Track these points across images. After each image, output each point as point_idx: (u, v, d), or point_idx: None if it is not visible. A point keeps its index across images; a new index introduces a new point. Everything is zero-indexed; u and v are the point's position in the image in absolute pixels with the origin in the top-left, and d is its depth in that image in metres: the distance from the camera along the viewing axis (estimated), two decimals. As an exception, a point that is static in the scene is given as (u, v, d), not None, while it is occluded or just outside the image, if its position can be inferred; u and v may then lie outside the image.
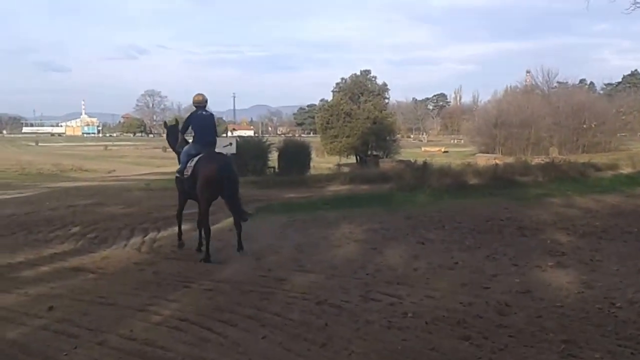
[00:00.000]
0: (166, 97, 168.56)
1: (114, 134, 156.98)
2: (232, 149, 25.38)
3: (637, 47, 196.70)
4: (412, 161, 34.91)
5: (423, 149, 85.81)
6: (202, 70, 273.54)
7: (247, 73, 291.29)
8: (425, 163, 21.11)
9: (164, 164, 39.21)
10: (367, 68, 48.44)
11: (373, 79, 47.42)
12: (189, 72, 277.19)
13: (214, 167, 9.48)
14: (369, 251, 9.65)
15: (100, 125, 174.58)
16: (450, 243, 10.18)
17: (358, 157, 46.64)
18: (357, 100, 46.24)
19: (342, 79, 47.69)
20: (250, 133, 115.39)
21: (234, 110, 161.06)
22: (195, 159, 9.77)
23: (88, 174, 36.35)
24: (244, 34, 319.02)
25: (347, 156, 47.59)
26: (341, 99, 45.85)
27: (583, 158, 30.41)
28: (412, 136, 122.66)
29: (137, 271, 8.59)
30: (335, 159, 46.75)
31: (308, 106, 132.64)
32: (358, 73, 47.51)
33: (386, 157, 45.49)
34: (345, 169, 34.49)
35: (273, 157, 28.87)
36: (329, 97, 47.96)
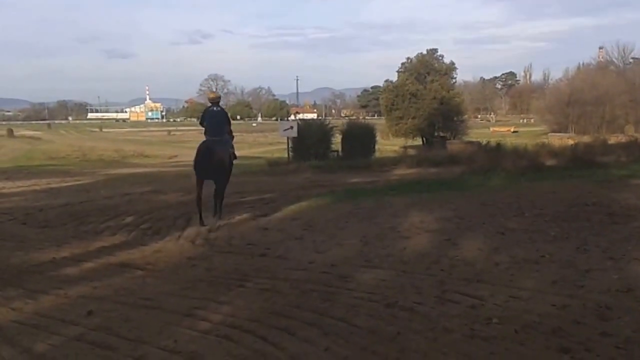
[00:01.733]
0: (229, 81, 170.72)
1: (178, 119, 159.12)
2: (294, 132, 24.74)
3: None
4: (482, 143, 33.64)
5: (492, 129, 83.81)
6: (265, 54, 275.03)
7: (310, 55, 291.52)
8: (498, 144, 19.88)
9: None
10: (434, 47, 46.94)
11: (440, 57, 46.01)
12: (253, 55, 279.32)
13: (198, 152, 11.12)
14: (442, 243, 8.72)
15: (164, 110, 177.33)
16: (533, 233, 9.13)
17: (424, 139, 45.42)
18: (424, 80, 44.92)
19: (408, 58, 46.43)
20: (314, 116, 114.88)
21: (297, 93, 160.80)
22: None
23: (149, 160, 36.52)
24: (307, 16, 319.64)
25: (413, 138, 46.44)
26: (407, 79, 44.65)
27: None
28: (479, 116, 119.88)
29: (189, 267, 7.92)
30: (400, 142, 45.66)
31: (372, 88, 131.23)
32: (424, 52, 46.06)
33: (454, 138, 44.24)
34: (412, 152, 33.48)
35: (336, 141, 28.06)
36: (394, 78, 46.70)
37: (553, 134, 58.60)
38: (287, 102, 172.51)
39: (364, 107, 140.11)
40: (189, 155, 39.43)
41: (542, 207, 11.26)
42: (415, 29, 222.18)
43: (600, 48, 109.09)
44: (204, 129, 11.74)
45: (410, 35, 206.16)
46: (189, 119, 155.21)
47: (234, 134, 12.33)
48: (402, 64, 46.37)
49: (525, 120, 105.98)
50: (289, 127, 25.09)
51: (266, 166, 24.02)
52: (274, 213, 11.79)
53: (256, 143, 65.70)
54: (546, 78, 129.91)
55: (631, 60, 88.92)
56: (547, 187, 14.15)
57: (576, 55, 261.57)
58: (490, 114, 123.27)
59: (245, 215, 11.63)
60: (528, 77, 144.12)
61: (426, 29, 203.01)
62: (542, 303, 5.94)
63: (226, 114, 12.11)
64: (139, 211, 12.25)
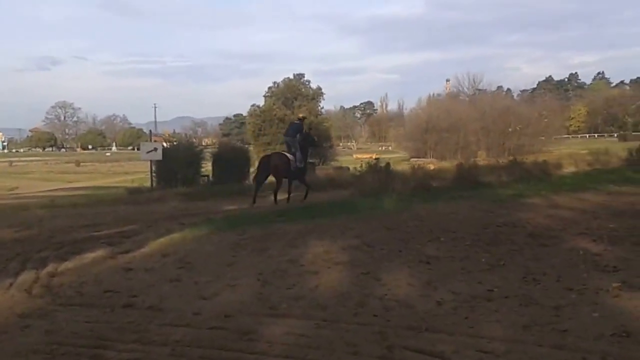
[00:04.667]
0: (79, 108, 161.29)
1: (21, 150, 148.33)
2: (158, 155, 22.11)
3: (548, 56, 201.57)
4: (349, 168, 32.59)
5: (355, 156, 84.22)
6: (121, 81, 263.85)
7: (169, 84, 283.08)
8: (388, 165, 18.55)
9: (78, 178, 35.31)
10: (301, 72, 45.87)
11: (307, 83, 44.84)
12: (107, 83, 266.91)
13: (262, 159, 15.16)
14: (361, 278, 6.89)
15: (6, 140, 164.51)
16: (461, 260, 7.54)
17: (293, 165, 43.88)
18: (291, 105, 43.54)
19: (275, 82, 44.91)
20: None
21: (155, 121, 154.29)
22: None
23: (-16, 194, 32.05)
24: (167, 44, 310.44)
25: (282, 164, 44.79)
26: (274, 104, 43.05)
27: (529, 158, 28.72)
28: (341, 144, 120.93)
29: (19, 330, 5.50)
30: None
31: (235, 116, 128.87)
32: (291, 77, 44.77)
33: (322, 164, 43.03)
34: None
35: (207, 165, 25.61)
36: (261, 103, 45.01)
37: (415, 159, 59.16)
38: (145, 130, 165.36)
39: (226, 135, 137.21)
40: (31, 187, 35.38)
41: (455, 230, 9.81)
42: (276, 59, 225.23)
43: (447, 80, 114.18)
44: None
45: (271, 66, 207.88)
46: (33, 149, 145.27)
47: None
48: (269, 88, 44.91)
49: (383, 148, 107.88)
50: (152, 149, 22.33)
51: (126, 194, 21.15)
52: (139, 248, 9.40)
53: (111, 173, 60.83)
54: (401, 107, 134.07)
55: (476, 92, 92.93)
56: (444, 208, 12.90)
57: (427, 86, 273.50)
58: (351, 142, 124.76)
59: (101, 253, 9.14)
60: (384, 106, 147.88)
61: (286, 60, 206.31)
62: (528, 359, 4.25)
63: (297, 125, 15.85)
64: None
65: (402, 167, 28.12)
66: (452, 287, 6.24)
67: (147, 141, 26.89)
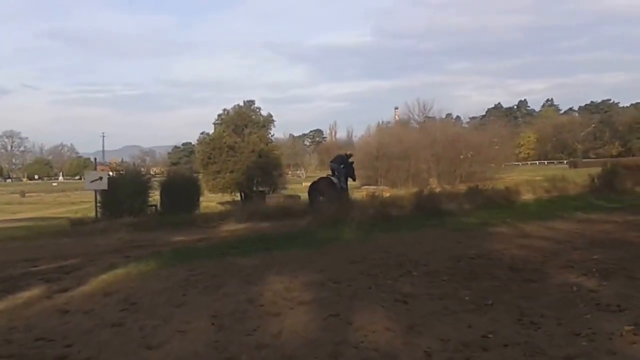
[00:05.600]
0: (27, 138, 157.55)
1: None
2: (103, 185, 20.95)
3: (496, 83, 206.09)
4: (300, 196, 31.88)
5: (304, 184, 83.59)
6: (69, 110, 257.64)
7: (118, 112, 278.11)
8: (346, 193, 17.89)
9: (22, 209, 33.64)
10: (251, 99, 44.96)
11: (257, 110, 43.95)
12: (56, 112, 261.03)
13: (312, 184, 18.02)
14: (331, 321, 6.11)
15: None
16: (442, 298, 6.83)
17: (243, 194, 42.91)
18: (241, 133, 42.51)
19: (225, 110, 43.84)
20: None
21: (103, 150, 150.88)
22: None
23: None
24: (116, 72, 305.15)
25: (231, 193, 43.71)
26: (224, 132, 41.99)
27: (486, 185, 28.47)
28: (290, 172, 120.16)
29: None
30: (218, 197, 42.76)
31: (184, 144, 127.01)
32: (241, 104, 43.85)
33: (273, 192, 42.15)
34: (229, 207, 30.68)
35: (154, 194, 24.44)
36: (211, 131, 43.88)
37: (366, 186, 58.86)
38: (93, 160, 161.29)
39: (175, 164, 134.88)
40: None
41: (426, 263, 9.14)
42: (225, 88, 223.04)
43: (396, 108, 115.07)
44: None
45: (220, 94, 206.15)
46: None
47: None
48: (219, 115, 43.63)
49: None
50: (97, 178, 21.14)
51: (68, 226, 19.91)
52: (79, 286, 8.47)
53: (56, 203, 58.62)
54: (350, 135, 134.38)
55: (425, 119, 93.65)
56: (408, 238, 12.31)
57: (376, 114, 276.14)
58: (300, 170, 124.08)
59: (36, 291, 8.19)
60: (334, 134, 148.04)
61: (236, 88, 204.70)
62: None
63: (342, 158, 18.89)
64: None
65: (356, 194, 27.56)
66: (438, 332, 5.52)
67: (93, 170, 25.61)
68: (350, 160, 19.42)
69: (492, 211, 17.11)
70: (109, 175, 23.37)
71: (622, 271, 7.93)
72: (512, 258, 9.40)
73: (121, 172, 25.27)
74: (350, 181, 19.56)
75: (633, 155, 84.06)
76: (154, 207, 23.33)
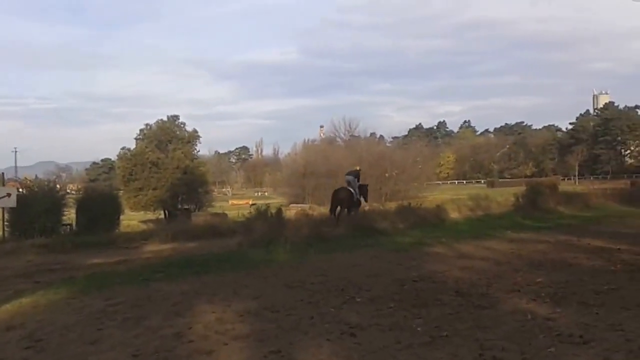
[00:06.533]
0: None
1: None
2: (11, 202, 19.25)
3: (416, 105, 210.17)
4: (226, 214, 30.84)
5: (230, 202, 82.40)
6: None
7: (31, 127, 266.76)
8: (280, 211, 16.99)
9: None
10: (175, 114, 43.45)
11: (182, 125, 42.50)
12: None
13: (334, 192, 19.65)
14: (271, 359, 5.28)
15: None
16: (392, 329, 6.11)
17: (167, 212, 41.33)
18: (165, 149, 40.97)
19: (147, 124, 42.16)
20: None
21: (16, 166, 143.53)
22: None
23: None
24: (29, 85, 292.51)
25: (154, 211, 42.03)
26: (146, 147, 40.33)
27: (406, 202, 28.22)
28: (216, 190, 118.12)
29: None
30: (140, 216, 41.00)
31: (103, 160, 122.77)
32: (165, 119, 42.34)
33: (198, 210, 40.77)
34: (152, 226, 29.20)
35: (70, 212, 22.74)
36: (132, 146, 42.05)
37: (294, 205, 58.15)
38: (4, 176, 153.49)
39: (93, 180, 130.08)
40: None
41: (369, 288, 8.45)
42: (147, 103, 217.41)
43: (321, 127, 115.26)
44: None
45: (141, 109, 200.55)
46: None
47: None
48: (141, 130, 41.85)
49: (260, 193, 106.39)
50: (4, 194, 19.38)
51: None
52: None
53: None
54: (276, 152, 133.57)
55: (356, 135, 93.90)
56: (345, 259, 11.67)
57: (302, 131, 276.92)
58: (226, 187, 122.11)
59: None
60: (260, 151, 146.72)
61: (158, 103, 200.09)
62: None
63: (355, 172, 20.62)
64: None
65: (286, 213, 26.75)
66: (395, 372, 4.79)
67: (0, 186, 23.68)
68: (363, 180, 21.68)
69: (425, 230, 16.78)
70: (18, 191, 21.57)
71: (573, 296, 7.46)
72: (456, 281, 8.84)
73: (33, 188, 23.29)
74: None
75: (546, 176, 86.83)
76: (68, 227, 21.62)
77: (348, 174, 20.72)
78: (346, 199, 18.75)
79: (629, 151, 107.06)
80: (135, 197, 40.65)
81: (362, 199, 19.78)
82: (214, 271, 10.45)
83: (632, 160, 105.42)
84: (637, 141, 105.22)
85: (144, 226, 28.05)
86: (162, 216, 40.73)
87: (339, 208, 18.81)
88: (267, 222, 14.94)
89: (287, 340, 5.83)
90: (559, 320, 6.26)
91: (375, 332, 6.01)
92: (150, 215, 41.01)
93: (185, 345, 5.85)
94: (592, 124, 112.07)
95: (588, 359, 4.94)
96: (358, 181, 20.01)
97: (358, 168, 22.26)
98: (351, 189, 19.18)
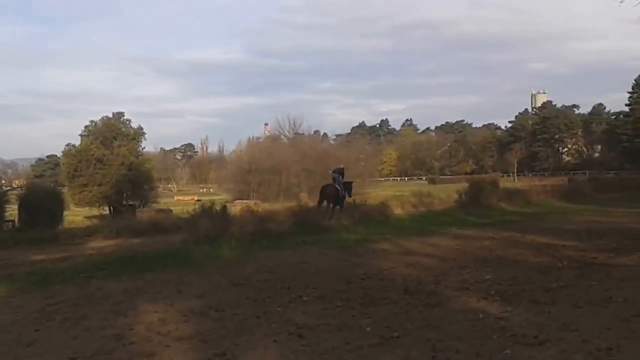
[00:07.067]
0: None
1: None
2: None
3: (359, 103, 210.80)
4: (171, 210, 30.27)
5: (175, 198, 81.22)
6: None
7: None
8: (225, 207, 16.61)
9: None
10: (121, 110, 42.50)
11: (127, 122, 41.61)
12: None
13: (322, 187, 20.41)
14: (215, 362, 5.03)
15: None
16: (341, 329, 5.91)
17: (112, 208, 40.42)
18: (110, 145, 40.03)
19: (92, 121, 41.15)
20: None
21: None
22: None
23: None
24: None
25: (99, 207, 41.06)
26: (91, 144, 39.36)
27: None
28: (161, 186, 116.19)
29: None
30: (85, 212, 39.96)
31: (48, 157, 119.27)
32: (110, 115, 41.34)
33: (143, 206, 40.00)
34: (96, 222, 28.38)
35: (12, 208, 21.89)
36: (77, 143, 41.00)
37: (239, 201, 57.57)
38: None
39: (38, 177, 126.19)
40: None
41: (315, 285, 8.24)
42: (93, 100, 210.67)
43: (266, 124, 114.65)
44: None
45: (86, 106, 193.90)
46: None
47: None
48: (86, 126, 40.92)
49: (205, 190, 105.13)
50: (-57, 191, 18.60)
51: None
52: None
53: None
54: (221, 150, 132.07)
55: (300, 133, 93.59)
56: (291, 257, 11.45)
57: (247, 129, 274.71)
58: (171, 184, 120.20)
59: None
60: (205, 148, 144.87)
61: (104, 100, 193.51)
62: None
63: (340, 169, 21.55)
64: None
65: (231, 209, 26.34)
66: (345, 374, 4.59)
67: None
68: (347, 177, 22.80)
69: (369, 227, 16.63)
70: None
71: (523, 294, 7.39)
72: (404, 278, 8.71)
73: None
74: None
75: (486, 173, 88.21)
76: (10, 223, 20.81)
77: (334, 171, 21.76)
78: (332, 195, 19.63)
79: (566, 149, 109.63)
80: (80, 193, 39.71)
81: (346, 194, 20.52)
82: (157, 269, 10.07)
83: (569, 158, 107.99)
84: (573, 139, 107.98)
85: (88, 222, 27.21)
86: (107, 212, 39.87)
87: (325, 202, 19.57)
88: (212, 219, 14.56)
89: (233, 342, 5.57)
90: (511, 319, 6.14)
91: (323, 333, 5.80)
92: (95, 212, 40.09)
93: (126, 347, 5.53)
94: (530, 122, 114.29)
95: None
96: (342, 178, 20.80)
97: (342, 166, 23.40)
98: (337, 186, 20.09)
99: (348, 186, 21.13)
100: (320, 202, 19.95)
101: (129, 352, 5.40)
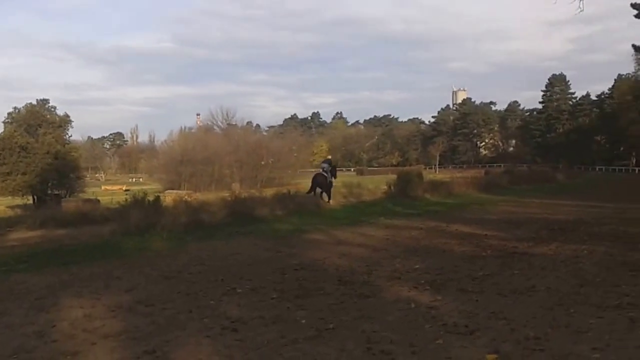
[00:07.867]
0: None
1: None
2: None
3: (291, 96, 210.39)
4: (99, 200, 29.29)
5: (103, 187, 79.09)
6: None
7: None
8: (158, 198, 16.00)
9: None
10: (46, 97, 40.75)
11: (53, 109, 39.98)
12: None
13: (313, 177, 23.13)
14: (144, 358, 4.68)
15: None
16: (275, 322, 5.65)
17: (36, 197, 38.79)
18: (35, 133, 38.38)
19: (15, 108, 39.35)
20: None
21: None
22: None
23: None
24: None
25: (23, 196, 39.34)
26: (15, 131, 37.61)
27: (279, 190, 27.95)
28: (88, 175, 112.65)
29: None
30: (7, 201, 38.21)
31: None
32: (34, 102, 39.59)
33: (69, 196, 38.56)
34: (20, 212, 27.15)
35: None
36: (0, 130, 39.11)
37: (170, 191, 56.39)
38: None
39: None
40: None
41: (249, 277, 7.95)
42: (14, 87, 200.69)
43: (198, 115, 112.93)
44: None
45: (9, 93, 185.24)
46: None
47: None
48: (9, 114, 39.14)
49: (134, 179, 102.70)
50: None
51: None
52: None
53: None
54: (152, 139, 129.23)
55: (233, 124, 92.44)
56: (224, 248, 11.09)
57: (179, 119, 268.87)
58: (99, 173, 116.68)
59: None
60: (135, 138, 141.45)
61: (26, 87, 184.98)
62: None
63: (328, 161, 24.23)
64: None
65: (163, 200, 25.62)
66: (281, 371, 4.34)
67: None
68: (333, 164, 24.81)
69: (303, 217, 16.46)
70: None
71: (451, 283, 7.34)
72: (337, 269, 8.54)
73: None
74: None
75: (410, 165, 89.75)
76: None
77: (323, 162, 24.74)
78: (323, 183, 22.30)
79: (483, 143, 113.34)
80: (3, 182, 38.00)
81: (332, 179, 23.00)
82: (83, 261, 9.51)
83: (486, 152, 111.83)
84: (490, 134, 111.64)
85: (10, 212, 26.00)
86: (31, 202, 38.26)
87: (318, 189, 22.13)
88: (143, 209, 14.00)
89: (163, 338, 5.22)
90: (441, 308, 6.04)
91: (258, 327, 5.52)
92: (18, 201, 38.38)
93: (48, 346, 5.11)
94: (451, 117, 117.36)
95: (477, 350, 4.70)
96: (330, 166, 23.32)
97: (329, 157, 28.58)
98: (325, 174, 22.77)
99: (334, 170, 23.61)
100: (311, 189, 22.56)
101: (51, 350, 4.99)
